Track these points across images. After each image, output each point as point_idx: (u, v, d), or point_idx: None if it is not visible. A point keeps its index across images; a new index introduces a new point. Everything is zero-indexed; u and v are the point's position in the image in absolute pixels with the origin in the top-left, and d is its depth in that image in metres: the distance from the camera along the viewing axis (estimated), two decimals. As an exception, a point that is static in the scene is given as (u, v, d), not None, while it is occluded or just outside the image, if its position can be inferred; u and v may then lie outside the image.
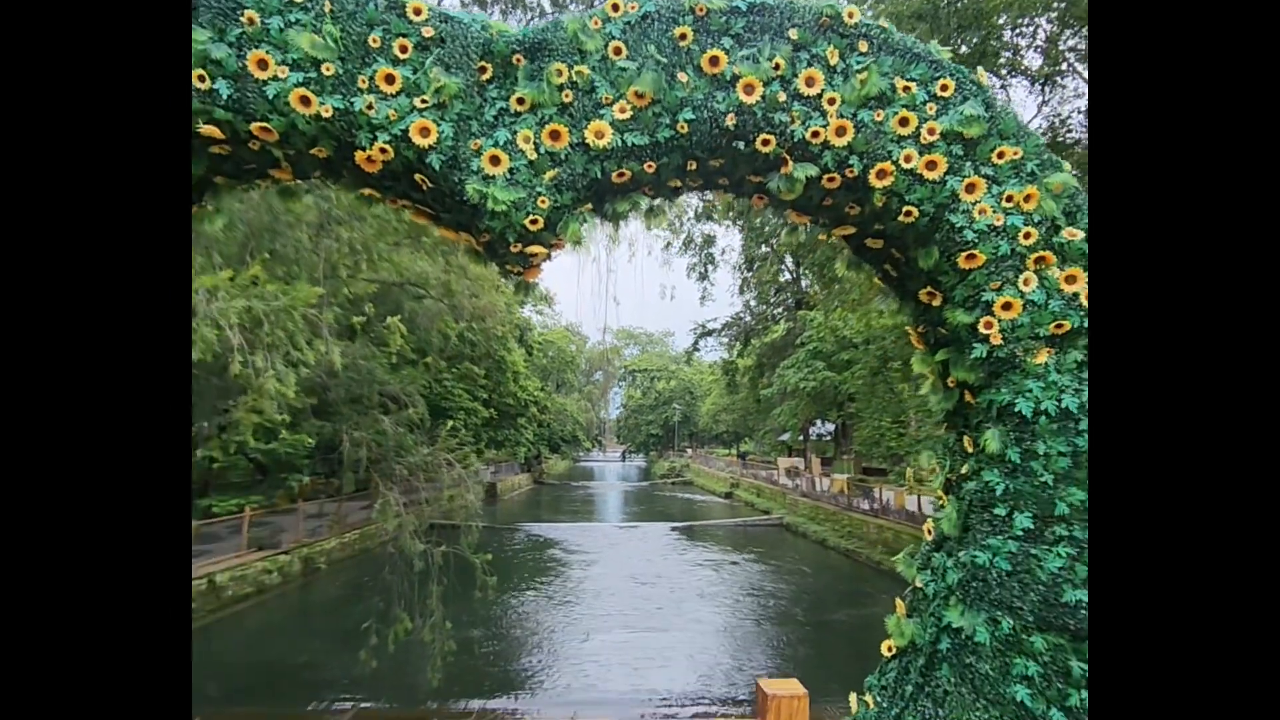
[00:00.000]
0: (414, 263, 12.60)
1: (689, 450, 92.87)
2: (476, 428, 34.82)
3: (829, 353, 34.45)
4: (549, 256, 3.50)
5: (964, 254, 3.28)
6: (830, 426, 49.02)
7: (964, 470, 3.49)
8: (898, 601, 3.73)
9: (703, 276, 43.04)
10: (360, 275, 11.31)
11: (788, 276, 44.50)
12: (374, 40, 3.07)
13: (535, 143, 3.15)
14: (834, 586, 22.18)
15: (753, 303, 44.80)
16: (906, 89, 3.31)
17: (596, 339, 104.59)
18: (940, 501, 3.66)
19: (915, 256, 3.45)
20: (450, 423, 9.51)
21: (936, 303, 3.52)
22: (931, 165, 3.28)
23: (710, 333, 47.45)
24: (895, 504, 28.51)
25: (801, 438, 48.08)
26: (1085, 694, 2.99)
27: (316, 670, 12.80)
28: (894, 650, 3.59)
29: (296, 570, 21.23)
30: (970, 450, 3.46)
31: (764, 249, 40.35)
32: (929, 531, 3.70)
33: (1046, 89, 19.13)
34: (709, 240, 42.49)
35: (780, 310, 45.30)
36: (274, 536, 21.55)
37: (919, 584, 3.59)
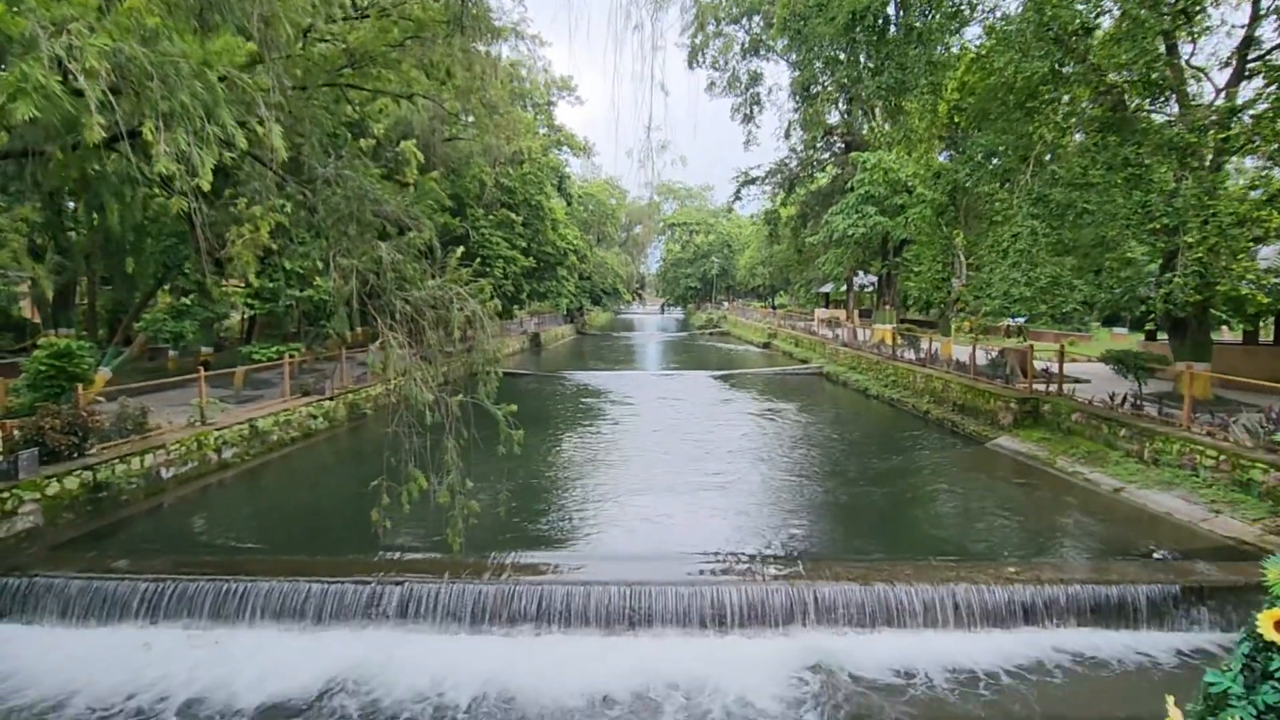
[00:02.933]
0: (419, 78, 10.10)
1: (726, 303, 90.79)
2: (517, 277, 32.98)
3: (881, 197, 31.05)
4: None
5: None
6: (872, 278, 46.04)
7: None
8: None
9: (747, 118, 39.00)
10: (348, 78, 8.97)
11: (837, 118, 40.02)
12: None
13: None
14: (880, 434, 20.65)
15: (798, 147, 40.69)
16: None
17: (636, 194, 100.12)
18: None
19: None
20: (460, 249, 7.53)
21: None
22: None
23: (753, 181, 43.69)
24: (942, 354, 26.58)
25: (845, 288, 45.38)
26: None
27: (344, 517, 11.80)
28: None
29: (342, 416, 20.37)
30: None
31: (815, 89, 35.94)
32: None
33: None
34: (755, 78, 38.00)
35: (828, 155, 41.20)
36: (319, 383, 20.62)
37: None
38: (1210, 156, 15.82)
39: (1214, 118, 15.02)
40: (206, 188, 4.67)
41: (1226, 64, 16.89)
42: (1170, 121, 16.30)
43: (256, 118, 5.59)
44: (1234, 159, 17.70)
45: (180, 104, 4.50)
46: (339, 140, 9.90)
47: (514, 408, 7.26)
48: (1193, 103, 17.00)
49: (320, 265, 16.07)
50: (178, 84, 4.38)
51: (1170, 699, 2.17)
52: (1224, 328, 33.86)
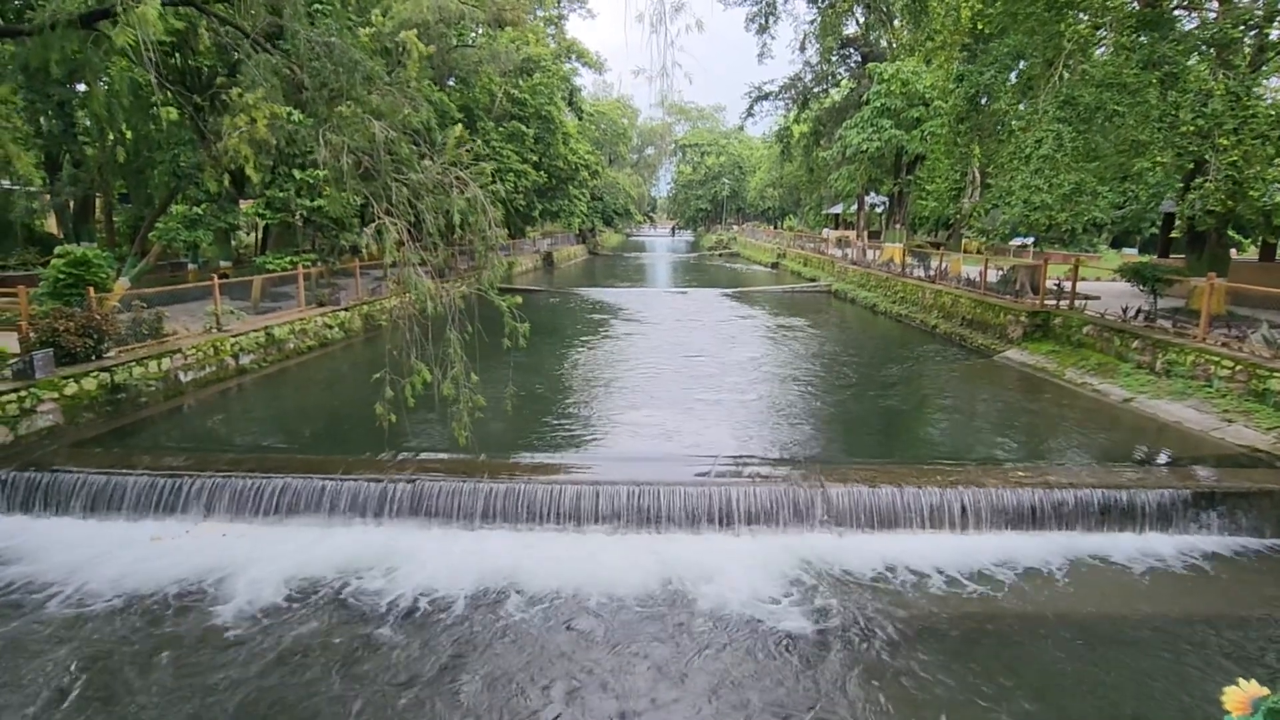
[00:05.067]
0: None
1: (735, 226, 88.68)
2: (529, 193, 31.82)
3: (897, 110, 29.32)
4: None
5: None
6: (882, 199, 44.34)
7: None
8: None
9: (762, 29, 36.59)
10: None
11: (854, 29, 37.51)
12: None
13: None
14: (888, 347, 20.11)
15: (813, 59, 38.34)
16: None
17: (647, 114, 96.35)
18: None
19: None
20: (458, 128, 6.83)
21: None
22: None
23: (766, 96, 41.47)
24: (951, 271, 25.69)
25: (855, 208, 43.80)
26: None
27: (358, 420, 11.54)
28: None
29: (358, 326, 20.01)
30: None
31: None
32: None
33: None
34: (772, -16, 35.43)
35: (843, 69, 38.88)
36: (335, 294, 20.17)
37: None
38: (1250, 55, 14.51)
39: (1259, 10, 13.65)
40: (153, 17, 4.05)
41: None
42: (1210, 22, 14.90)
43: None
44: (1270, 64, 16.29)
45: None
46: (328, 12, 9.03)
47: (519, 299, 6.75)
48: (1234, 2, 15.51)
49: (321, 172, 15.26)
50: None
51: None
52: (1233, 250, 32.61)
